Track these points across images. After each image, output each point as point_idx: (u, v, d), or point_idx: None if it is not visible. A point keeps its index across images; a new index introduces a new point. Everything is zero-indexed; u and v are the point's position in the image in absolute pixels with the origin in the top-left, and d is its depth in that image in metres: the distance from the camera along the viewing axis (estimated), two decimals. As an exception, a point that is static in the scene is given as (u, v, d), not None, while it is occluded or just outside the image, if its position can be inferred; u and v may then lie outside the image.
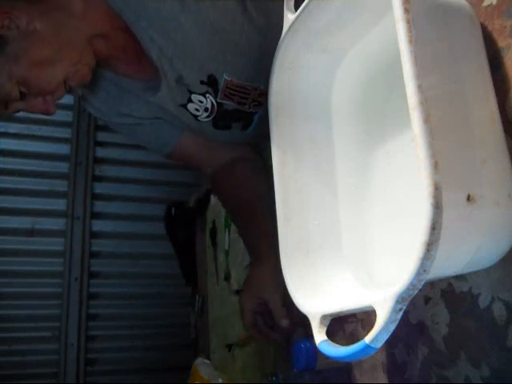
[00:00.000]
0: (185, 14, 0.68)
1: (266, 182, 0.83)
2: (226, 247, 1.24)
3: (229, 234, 1.24)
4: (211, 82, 0.76)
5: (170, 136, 0.88)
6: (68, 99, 1.86)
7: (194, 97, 0.78)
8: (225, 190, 0.94)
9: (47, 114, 0.73)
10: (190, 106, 0.80)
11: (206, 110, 0.80)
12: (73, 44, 0.70)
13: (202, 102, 0.79)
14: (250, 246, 0.90)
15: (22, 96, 0.69)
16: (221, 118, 0.81)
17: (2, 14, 0.65)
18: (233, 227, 1.22)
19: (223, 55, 0.73)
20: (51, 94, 0.71)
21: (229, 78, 0.75)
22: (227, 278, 1.25)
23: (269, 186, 0.85)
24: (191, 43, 0.71)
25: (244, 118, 0.83)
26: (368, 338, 0.35)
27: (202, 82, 0.76)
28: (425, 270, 0.33)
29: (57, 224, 1.79)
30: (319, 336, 0.44)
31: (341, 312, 0.45)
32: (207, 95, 0.78)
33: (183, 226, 1.54)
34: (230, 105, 0.79)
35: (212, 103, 0.79)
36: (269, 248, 0.79)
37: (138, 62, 0.76)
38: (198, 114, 0.81)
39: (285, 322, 0.74)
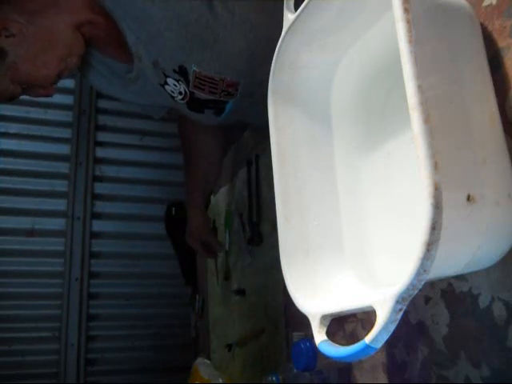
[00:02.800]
0: (155, 8, 0.73)
1: (218, 155, 1.19)
2: (227, 247, 1.24)
3: (229, 234, 1.24)
4: (182, 72, 0.81)
5: (155, 111, 1.05)
6: (68, 99, 1.87)
7: (169, 80, 0.83)
8: (186, 138, 1.15)
9: (48, 96, 0.82)
10: (167, 88, 0.85)
11: (180, 93, 0.85)
12: (63, 41, 0.76)
13: (176, 86, 0.84)
14: (188, 192, 1.18)
15: (24, 90, 0.78)
16: (193, 104, 0.87)
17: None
18: (233, 227, 1.22)
19: (190, 47, 0.77)
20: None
21: (197, 70, 0.80)
22: (227, 277, 1.25)
23: (218, 158, 1.22)
24: (162, 35, 0.76)
25: (216, 106, 0.88)
26: (368, 338, 0.35)
27: (174, 71, 0.81)
28: (425, 270, 0.33)
29: (57, 224, 1.79)
30: (319, 336, 0.44)
31: (341, 312, 0.45)
32: (180, 82, 0.83)
33: (183, 226, 1.54)
34: (201, 94, 0.84)
35: (185, 90, 0.84)
36: (202, 199, 1.17)
37: (120, 44, 0.81)
38: (173, 95, 0.86)
39: (220, 249, 1.19)
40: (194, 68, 0.79)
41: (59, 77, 0.79)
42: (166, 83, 0.84)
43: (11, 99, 0.79)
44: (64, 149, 1.85)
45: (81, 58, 0.81)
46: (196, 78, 0.81)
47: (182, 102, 0.87)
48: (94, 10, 0.76)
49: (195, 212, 1.16)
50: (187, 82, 0.82)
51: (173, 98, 0.87)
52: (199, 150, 1.15)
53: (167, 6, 0.72)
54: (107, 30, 0.79)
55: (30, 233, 1.75)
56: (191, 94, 0.84)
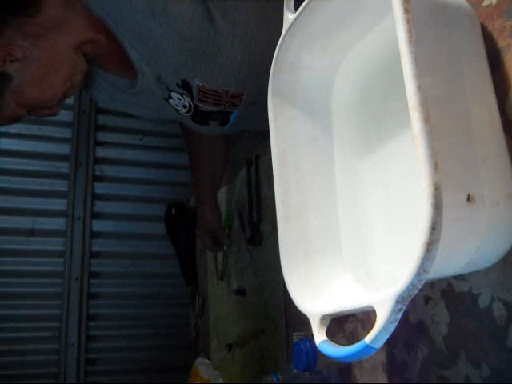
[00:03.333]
0: (155, 24, 0.72)
1: (223, 150, 1.22)
2: (225, 248, 1.24)
3: (228, 235, 1.24)
4: (185, 86, 0.81)
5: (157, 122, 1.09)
6: (68, 99, 1.86)
7: (173, 94, 0.83)
8: (190, 136, 1.15)
9: (53, 115, 0.83)
10: (171, 102, 0.85)
11: (185, 106, 0.85)
12: (65, 62, 0.76)
13: (180, 99, 0.84)
14: (197, 188, 1.22)
15: (30, 111, 0.79)
16: (198, 116, 0.87)
17: (2, 50, 0.70)
18: (233, 226, 1.22)
19: (193, 62, 0.77)
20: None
21: (200, 83, 0.79)
22: (222, 277, 1.26)
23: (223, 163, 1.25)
24: (163, 50, 0.76)
25: (221, 117, 0.88)
26: (368, 338, 0.35)
27: (177, 85, 0.81)
28: (425, 270, 0.33)
29: (57, 224, 1.79)
30: (319, 336, 0.44)
31: (341, 312, 0.45)
32: (184, 96, 0.83)
33: (183, 225, 1.54)
34: (205, 107, 0.84)
35: (189, 103, 0.84)
36: (211, 194, 1.20)
37: (123, 61, 0.80)
38: (178, 108, 0.86)
39: (226, 243, 1.22)
40: (196, 82, 0.79)
41: (64, 96, 0.80)
42: (170, 97, 0.84)
43: (16, 121, 0.80)
44: (64, 149, 1.85)
45: (84, 76, 0.81)
46: (200, 91, 0.81)
47: (186, 115, 0.87)
48: (96, 28, 0.76)
49: (205, 207, 1.20)
50: (191, 96, 0.82)
51: (177, 111, 0.87)
52: (204, 147, 1.16)
53: (168, 21, 0.72)
54: (109, 47, 0.79)
55: (30, 233, 1.75)
56: (196, 106, 0.84)
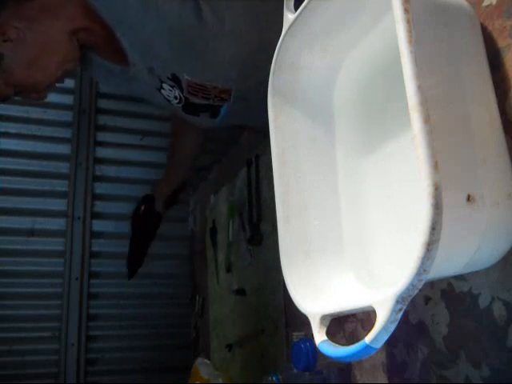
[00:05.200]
0: (147, 18, 0.74)
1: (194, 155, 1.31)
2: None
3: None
4: (175, 80, 0.82)
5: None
6: (68, 99, 1.86)
7: (165, 85, 0.85)
8: (177, 134, 1.24)
9: (40, 100, 0.84)
10: (163, 92, 0.87)
11: (176, 98, 0.87)
12: (58, 48, 0.78)
13: (171, 90, 0.86)
14: (168, 167, 1.33)
15: (17, 93, 0.79)
16: (189, 107, 0.89)
17: None
18: (234, 225, 1.22)
19: (182, 57, 0.79)
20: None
21: (189, 78, 0.81)
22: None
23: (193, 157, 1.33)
24: (154, 44, 0.78)
25: (211, 110, 0.89)
26: (368, 338, 0.35)
27: (168, 78, 0.83)
28: (425, 270, 0.33)
29: (57, 224, 1.79)
30: (319, 336, 0.44)
31: (341, 312, 0.45)
32: (174, 88, 0.84)
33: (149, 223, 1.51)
34: (195, 100, 0.86)
35: (179, 95, 0.86)
36: (176, 177, 1.34)
37: (117, 49, 0.82)
38: (169, 99, 0.88)
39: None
40: (186, 77, 0.81)
41: (54, 82, 0.81)
42: (162, 88, 0.85)
43: (3, 100, 0.80)
44: (64, 149, 1.85)
45: (77, 63, 0.83)
46: (189, 85, 0.82)
47: (177, 105, 0.88)
48: (91, 17, 0.77)
49: (166, 181, 1.34)
50: (181, 89, 0.83)
51: (169, 101, 0.88)
52: (185, 139, 1.23)
53: (159, 16, 0.74)
54: (104, 36, 0.80)
55: (30, 233, 1.75)
56: (186, 99, 0.85)
